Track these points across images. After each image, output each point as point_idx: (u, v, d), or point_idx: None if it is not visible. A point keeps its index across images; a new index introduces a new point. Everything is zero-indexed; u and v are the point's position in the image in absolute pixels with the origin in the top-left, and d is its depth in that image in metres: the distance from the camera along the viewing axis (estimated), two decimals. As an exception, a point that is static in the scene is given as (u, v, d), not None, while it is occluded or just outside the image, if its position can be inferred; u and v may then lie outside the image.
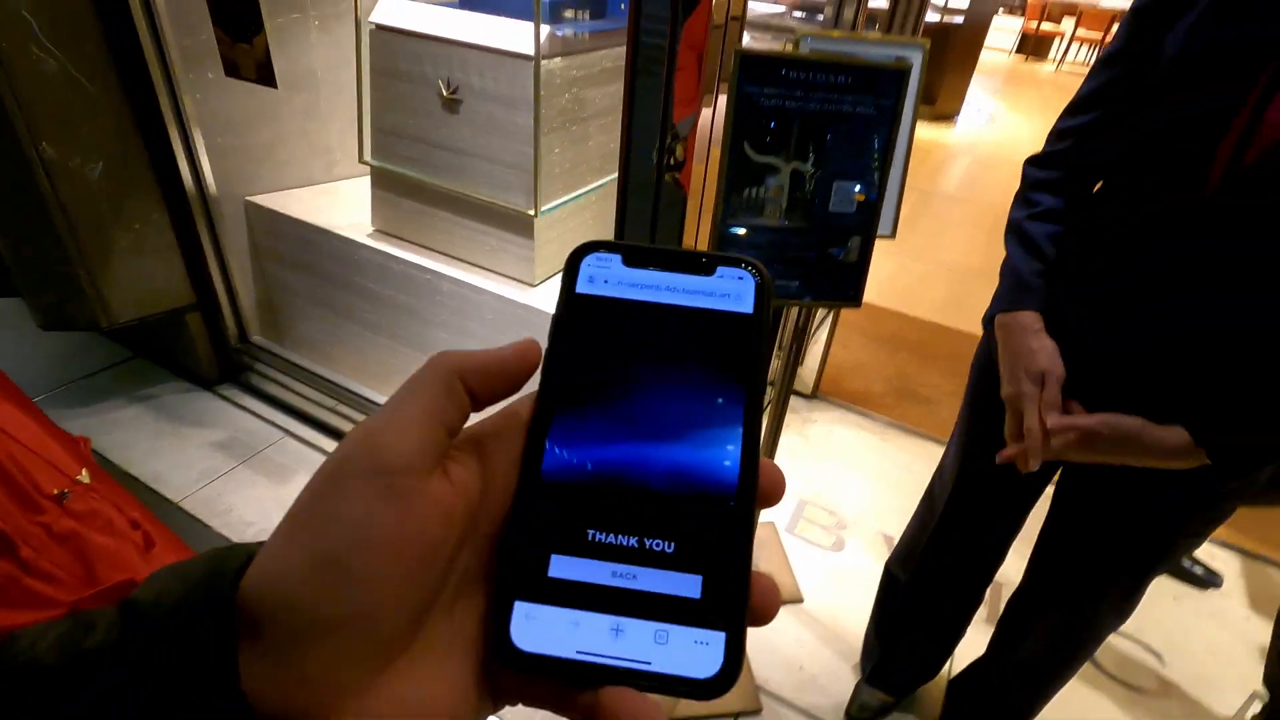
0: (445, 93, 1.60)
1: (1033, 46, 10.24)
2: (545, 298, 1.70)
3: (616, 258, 0.28)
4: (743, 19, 1.12)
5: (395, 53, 1.64)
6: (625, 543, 0.24)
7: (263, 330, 2.22)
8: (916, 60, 1.08)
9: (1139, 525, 0.94)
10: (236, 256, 2.04)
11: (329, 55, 2.01)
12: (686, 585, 0.23)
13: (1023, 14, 10.23)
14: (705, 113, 1.15)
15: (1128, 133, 0.84)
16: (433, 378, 0.24)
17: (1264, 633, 1.76)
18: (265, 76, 1.53)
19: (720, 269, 0.28)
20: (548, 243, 1.71)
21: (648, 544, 0.24)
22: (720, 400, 0.26)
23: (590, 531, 0.24)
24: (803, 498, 2.03)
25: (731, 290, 0.27)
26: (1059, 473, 1.04)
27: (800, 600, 1.72)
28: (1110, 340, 0.85)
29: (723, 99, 1.11)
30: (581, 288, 0.28)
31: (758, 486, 0.25)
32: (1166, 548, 0.94)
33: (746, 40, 1.24)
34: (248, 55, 1.53)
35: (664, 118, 1.11)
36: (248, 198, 2.01)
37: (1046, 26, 9.97)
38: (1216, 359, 0.78)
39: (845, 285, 1.06)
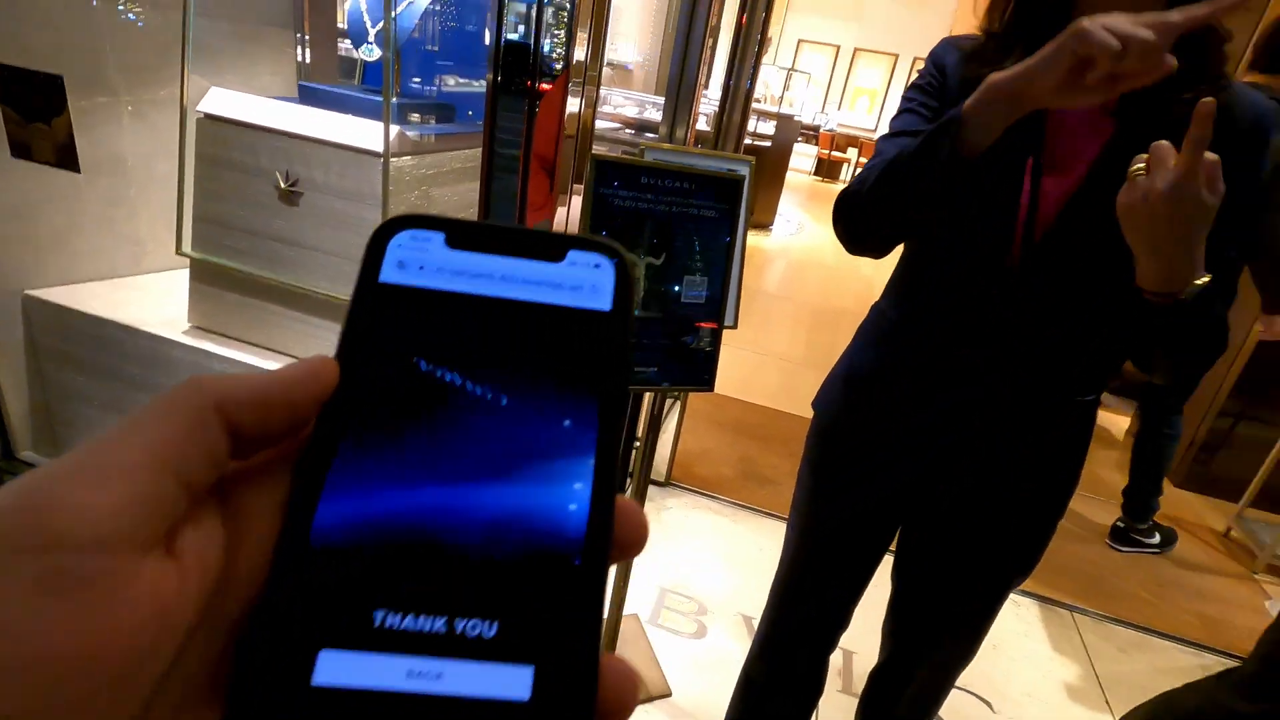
0: (283, 185, 1.54)
1: (826, 169, 12.01)
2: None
3: (438, 237, 0.22)
4: (591, 132, 1.22)
5: (226, 143, 1.56)
6: (428, 627, 0.17)
7: (36, 444, 1.88)
8: (746, 172, 1.22)
9: (979, 568, 1.03)
10: (7, 359, 1.74)
11: (141, 141, 1.86)
12: (512, 682, 0.17)
13: (817, 143, 12.02)
14: (561, 213, 1.21)
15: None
16: (173, 407, 0.17)
17: (1067, 672, 1.99)
18: (66, 160, 1.39)
19: (572, 253, 0.22)
20: (395, 338, 1.65)
21: (459, 627, 0.18)
22: (567, 423, 0.20)
23: (378, 613, 0.17)
24: (663, 586, 2.02)
25: (585, 281, 0.22)
26: (899, 532, 1.13)
27: (668, 694, 1.68)
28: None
29: (576, 201, 1.18)
30: (387, 276, 0.21)
31: (612, 536, 0.19)
32: (1001, 591, 1.05)
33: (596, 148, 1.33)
34: (45, 137, 1.38)
35: (519, 219, 1.16)
36: (28, 291, 1.74)
37: (836, 154, 11.78)
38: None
39: (699, 370, 1.12)
